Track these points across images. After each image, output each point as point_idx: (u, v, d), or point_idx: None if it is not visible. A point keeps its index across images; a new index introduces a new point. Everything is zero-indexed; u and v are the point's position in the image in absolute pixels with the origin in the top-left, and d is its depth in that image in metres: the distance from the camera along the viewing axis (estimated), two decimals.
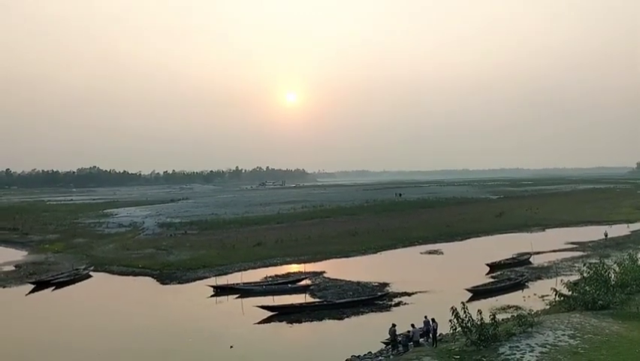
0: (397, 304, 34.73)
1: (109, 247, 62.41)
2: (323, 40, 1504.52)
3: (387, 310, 33.47)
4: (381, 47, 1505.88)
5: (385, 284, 40.22)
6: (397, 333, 24.42)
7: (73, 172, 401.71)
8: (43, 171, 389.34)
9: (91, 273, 48.71)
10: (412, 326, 24.34)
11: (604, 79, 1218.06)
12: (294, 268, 49.17)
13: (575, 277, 32.90)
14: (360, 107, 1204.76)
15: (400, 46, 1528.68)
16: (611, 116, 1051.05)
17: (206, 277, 44.73)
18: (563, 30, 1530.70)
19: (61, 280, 44.94)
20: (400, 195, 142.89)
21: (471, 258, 52.93)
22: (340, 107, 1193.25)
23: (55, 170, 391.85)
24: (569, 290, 27.35)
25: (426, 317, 24.95)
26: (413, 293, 37.24)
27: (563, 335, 20.58)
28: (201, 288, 41.17)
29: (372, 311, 33.26)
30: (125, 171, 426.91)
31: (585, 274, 28.88)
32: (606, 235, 62.85)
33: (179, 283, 44.05)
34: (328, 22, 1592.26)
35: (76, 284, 45.02)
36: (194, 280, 44.67)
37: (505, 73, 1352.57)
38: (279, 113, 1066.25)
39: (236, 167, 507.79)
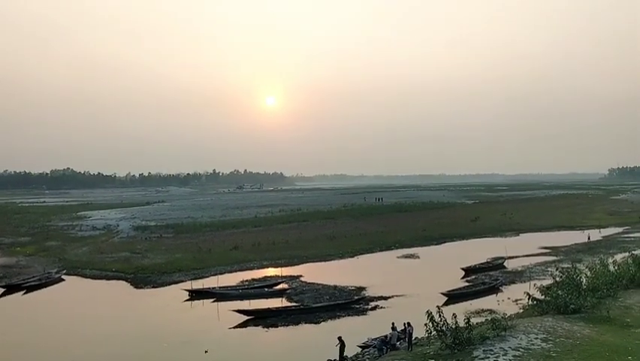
0: (374, 308, 34.85)
1: (82, 251, 61.36)
2: (304, 43, 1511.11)
3: (364, 314, 33.59)
4: (361, 52, 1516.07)
5: (362, 288, 40.33)
6: (371, 339, 24.34)
7: (47, 174, 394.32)
8: (15, 172, 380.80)
9: (63, 277, 47.80)
10: (392, 328, 24.39)
11: (577, 87, 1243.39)
12: (271, 271, 48.96)
13: (548, 282, 33.39)
14: (339, 111, 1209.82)
15: (381, 50, 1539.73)
16: (583, 123, 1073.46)
17: (181, 281, 44.28)
18: (537, 38, 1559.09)
19: (33, 283, 44.05)
20: (381, 199, 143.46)
21: (447, 262, 53.47)
22: (319, 112, 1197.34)
23: (27, 171, 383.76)
24: (542, 294, 27.76)
25: (393, 324, 24.94)
26: (389, 297, 37.41)
27: (536, 338, 20.85)
28: (176, 292, 40.70)
29: (349, 315, 33.30)
30: (99, 173, 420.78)
31: (557, 279, 29.39)
32: (589, 238, 65.43)
33: (153, 287, 43.49)
34: (310, 25, 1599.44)
35: (48, 288, 44.12)
36: (170, 284, 44.16)
37: (481, 81, 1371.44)
38: (258, 115, 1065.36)
39: (214, 170, 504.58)
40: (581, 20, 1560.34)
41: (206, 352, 26.58)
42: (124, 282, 45.31)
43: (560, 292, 26.98)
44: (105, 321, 34.05)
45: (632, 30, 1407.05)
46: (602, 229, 77.48)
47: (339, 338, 23.31)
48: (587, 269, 32.10)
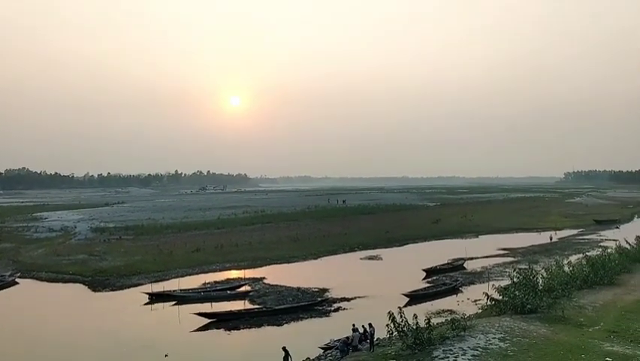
0: (336, 310, 34.98)
1: (38, 253, 59.49)
2: (270, 45, 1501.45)
3: (327, 316, 33.67)
4: (328, 56, 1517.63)
5: (325, 290, 40.44)
6: (334, 340, 24.27)
7: (0, 173, 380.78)
8: None
9: (17, 280, 46.34)
10: (354, 330, 24.50)
11: (537, 95, 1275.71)
12: (233, 274, 48.59)
13: (506, 282, 34.17)
14: (304, 114, 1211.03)
15: (349, 55, 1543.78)
16: (541, 128, 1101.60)
17: (141, 284, 43.42)
18: (503, 47, 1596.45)
19: None
20: (344, 201, 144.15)
21: (408, 263, 54.18)
22: (285, 114, 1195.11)
23: None
24: (500, 295, 28.45)
25: (354, 325, 25.07)
26: (352, 298, 37.63)
27: (494, 338, 21.34)
28: (136, 295, 39.91)
29: (312, 317, 33.33)
30: (56, 173, 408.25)
31: (515, 279, 30.15)
32: (551, 239, 67.53)
33: (112, 290, 42.58)
34: (276, 28, 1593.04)
35: (1, 291, 42.67)
36: (129, 287, 43.31)
37: (444, 88, 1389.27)
38: (222, 116, 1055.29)
39: (176, 170, 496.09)
40: (549, 28, 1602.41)
41: (166, 356, 26.14)
42: (81, 285, 44.20)
43: (517, 292, 27.68)
44: (61, 325, 33.17)
45: (595, 38, 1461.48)
46: (557, 231, 79.92)
47: (284, 349, 22.61)
48: (543, 270, 33.12)
